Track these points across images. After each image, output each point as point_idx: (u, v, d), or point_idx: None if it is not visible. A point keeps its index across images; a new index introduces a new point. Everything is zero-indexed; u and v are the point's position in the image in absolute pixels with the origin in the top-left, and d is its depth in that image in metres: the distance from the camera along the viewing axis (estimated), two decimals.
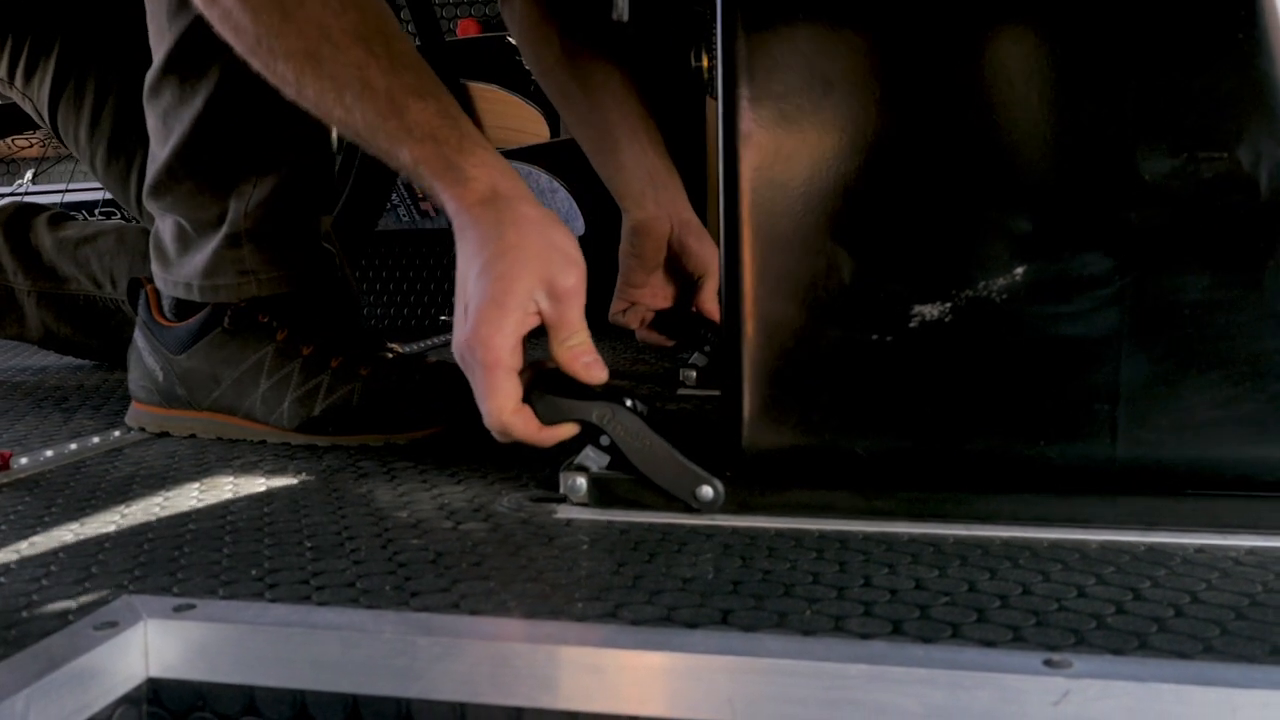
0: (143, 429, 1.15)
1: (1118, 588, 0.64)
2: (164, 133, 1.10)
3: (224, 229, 1.09)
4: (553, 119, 1.97)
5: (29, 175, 2.15)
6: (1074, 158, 0.72)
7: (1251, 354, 0.71)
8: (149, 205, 1.14)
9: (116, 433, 1.14)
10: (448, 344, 1.83)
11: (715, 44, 0.79)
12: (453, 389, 1.07)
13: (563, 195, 1.82)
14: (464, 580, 0.67)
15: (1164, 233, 0.71)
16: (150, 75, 1.11)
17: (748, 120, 0.76)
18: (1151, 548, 0.71)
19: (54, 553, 0.75)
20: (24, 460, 1.01)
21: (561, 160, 1.87)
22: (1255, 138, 0.70)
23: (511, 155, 1.89)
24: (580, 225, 1.86)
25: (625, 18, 0.73)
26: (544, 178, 1.83)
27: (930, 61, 0.74)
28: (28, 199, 2.06)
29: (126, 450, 1.07)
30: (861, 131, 0.75)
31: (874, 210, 0.75)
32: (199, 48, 1.06)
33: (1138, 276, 0.72)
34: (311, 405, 1.06)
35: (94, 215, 2.03)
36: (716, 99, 0.79)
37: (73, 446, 1.07)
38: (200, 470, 0.98)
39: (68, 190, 1.95)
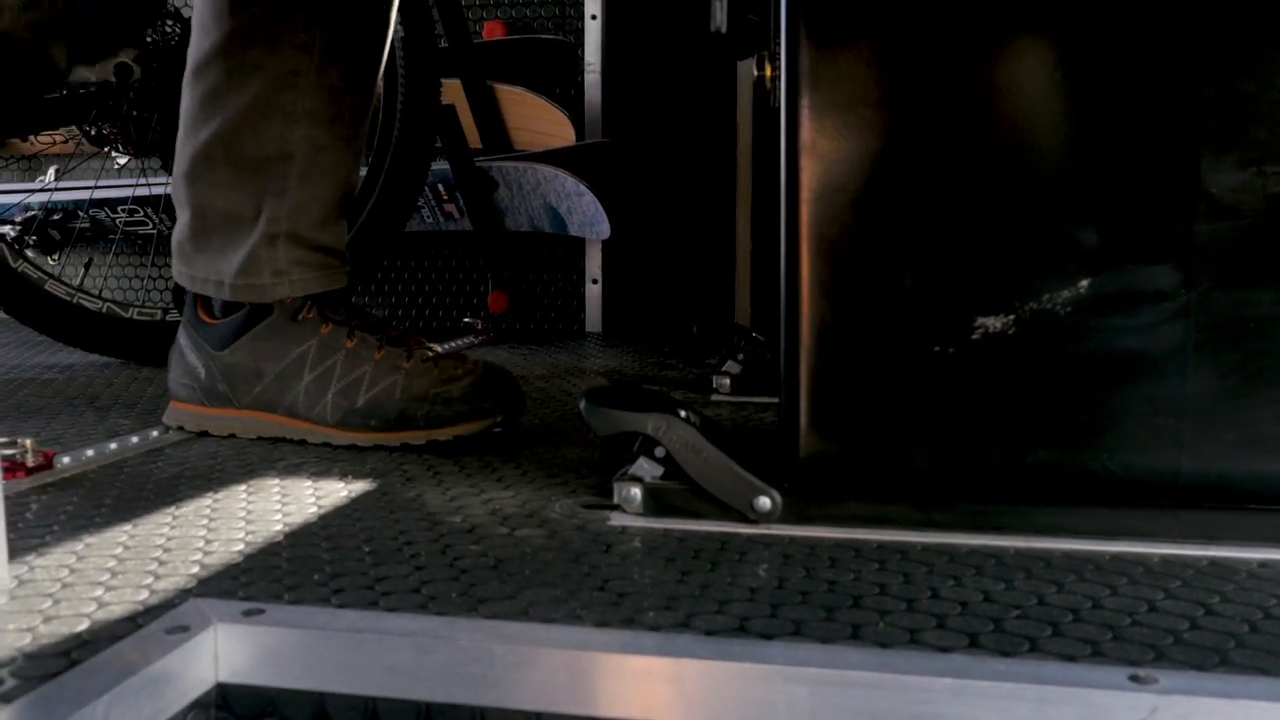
0: (181, 428, 1.15)
1: (1188, 602, 0.64)
2: (202, 116, 1.10)
3: (260, 227, 1.09)
4: (578, 122, 1.97)
5: (51, 172, 2.15)
6: (1140, 170, 0.72)
7: None
8: (178, 192, 1.14)
9: (155, 432, 1.14)
10: (473, 345, 1.83)
11: (779, 54, 0.79)
12: (497, 385, 1.07)
13: (589, 199, 1.82)
14: (529, 587, 0.67)
15: (1231, 246, 0.71)
16: (197, 57, 1.10)
17: (810, 130, 0.76)
18: (1214, 562, 0.71)
19: (113, 554, 0.74)
20: (66, 459, 1.01)
21: (587, 163, 1.87)
22: None
23: (537, 158, 1.89)
24: (606, 228, 1.85)
25: (725, 29, 0.73)
26: (570, 181, 1.83)
27: (997, 74, 0.74)
28: (54, 195, 2.07)
29: (167, 450, 1.07)
30: (925, 142, 0.75)
31: (937, 221, 0.75)
32: (259, 38, 1.07)
33: (1204, 290, 0.72)
34: (354, 397, 1.06)
35: (118, 213, 2.02)
36: (779, 107, 0.79)
37: (113, 446, 1.07)
38: (245, 472, 0.98)
39: (96, 187, 1.95)
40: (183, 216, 1.14)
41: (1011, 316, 0.74)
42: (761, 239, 1.44)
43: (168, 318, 1.65)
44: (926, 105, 0.75)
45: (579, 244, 2.05)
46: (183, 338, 1.15)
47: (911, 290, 0.76)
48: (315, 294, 1.10)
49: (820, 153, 0.76)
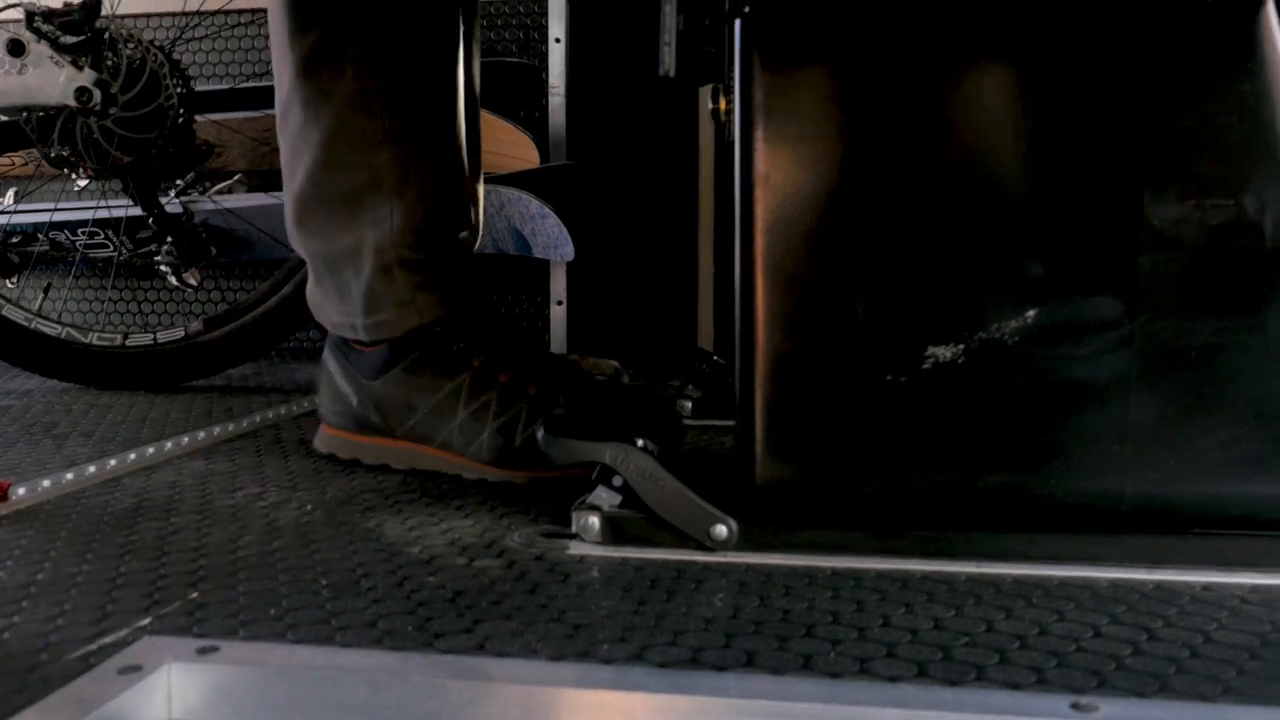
0: (334, 455, 1.12)
1: (1131, 628, 0.65)
2: (294, 160, 1.08)
3: (369, 261, 1.06)
4: (542, 145, 1.97)
5: (10, 194, 2.13)
6: (1085, 204, 0.74)
7: (1257, 396, 0.72)
8: (293, 243, 1.12)
9: (112, 461, 1.13)
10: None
11: (733, 87, 0.80)
12: (653, 415, 1.04)
13: (553, 221, 1.83)
14: (486, 620, 0.67)
15: (1172, 278, 0.73)
16: (279, 101, 1.08)
17: (764, 162, 0.77)
18: (1160, 585, 0.72)
19: (66, 590, 0.74)
20: (21, 490, 1.00)
21: (551, 186, 1.88)
22: (1261, 186, 0.72)
23: (501, 180, 1.90)
24: (570, 250, 1.86)
25: (673, 73, 0.74)
26: (534, 203, 1.83)
27: (947, 110, 0.75)
28: (13, 219, 2.04)
29: (125, 481, 1.06)
30: (877, 175, 0.76)
31: (889, 252, 0.76)
32: (323, 67, 1.05)
33: (1147, 320, 0.73)
34: (512, 435, 1.03)
35: (78, 235, 2.01)
36: (733, 140, 0.80)
37: (69, 476, 1.06)
38: (203, 502, 0.98)
39: (56, 209, 1.93)
40: (308, 264, 1.13)
41: (961, 346, 0.76)
42: (724, 262, 1.45)
43: (127, 343, 1.64)
44: (878, 140, 0.76)
45: (543, 265, 2.05)
46: (331, 363, 1.12)
47: (864, 321, 0.77)
48: (457, 319, 1.07)
49: (774, 185, 0.77)
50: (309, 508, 0.95)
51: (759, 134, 0.77)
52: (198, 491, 1.01)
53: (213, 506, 0.96)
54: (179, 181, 1.90)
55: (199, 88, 2.10)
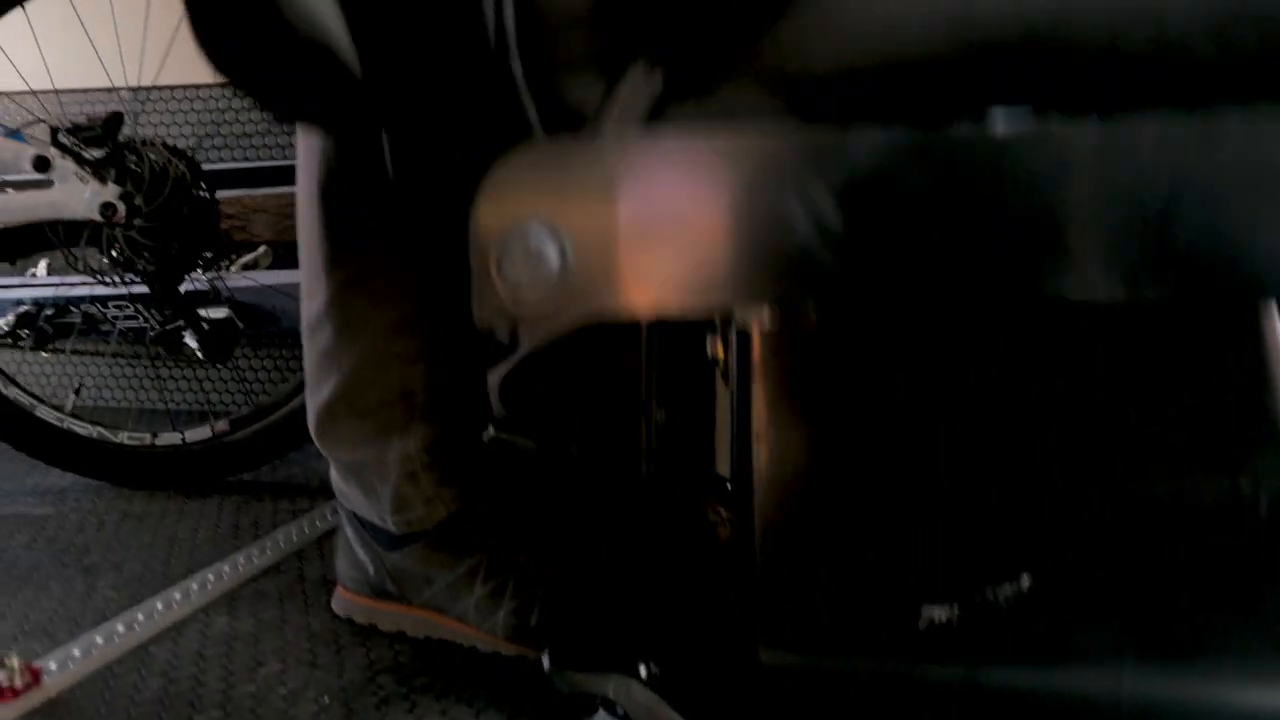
0: (351, 619, 1.15)
1: None
2: (320, 375, 1.10)
3: (395, 469, 1.08)
4: None
5: (43, 266, 2.17)
6: (1079, 480, 0.74)
7: (1251, 677, 0.73)
8: (316, 440, 1.13)
9: (140, 616, 1.17)
10: None
11: (730, 334, 0.81)
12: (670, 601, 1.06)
13: None
14: None
15: (1166, 555, 0.73)
16: (308, 318, 1.10)
17: (762, 420, 0.78)
18: None
19: None
20: (53, 665, 1.04)
21: None
22: (1257, 465, 0.71)
23: None
24: None
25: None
26: None
27: (941, 383, 0.76)
28: (40, 290, 2.09)
29: (152, 649, 1.10)
30: (874, 438, 0.77)
31: (883, 516, 0.77)
32: (361, 293, 1.06)
33: (1140, 595, 0.74)
34: (527, 616, 1.04)
35: (109, 308, 2.05)
36: (729, 385, 0.81)
37: (99, 640, 1.10)
38: (225, 686, 1.01)
39: (92, 283, 1.96)
40: (330, 460, 1.14)
41: (956, 606, 0.77)
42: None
43: (157, 442, 1.68)
44: (877, 404, 0.77)
45: None
46: (349, 530, 1.14)
47: (858, 583, 0.78)
48: (479, 502, 1.10)
49: (771, 442, 0.78)
50: (325, 700, 0.98)
51: (758, 390, 0.78)
52: (221, 670, 1.05)
53: (234, 692, 0.99)
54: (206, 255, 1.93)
55: (223, 165, 2.12)
